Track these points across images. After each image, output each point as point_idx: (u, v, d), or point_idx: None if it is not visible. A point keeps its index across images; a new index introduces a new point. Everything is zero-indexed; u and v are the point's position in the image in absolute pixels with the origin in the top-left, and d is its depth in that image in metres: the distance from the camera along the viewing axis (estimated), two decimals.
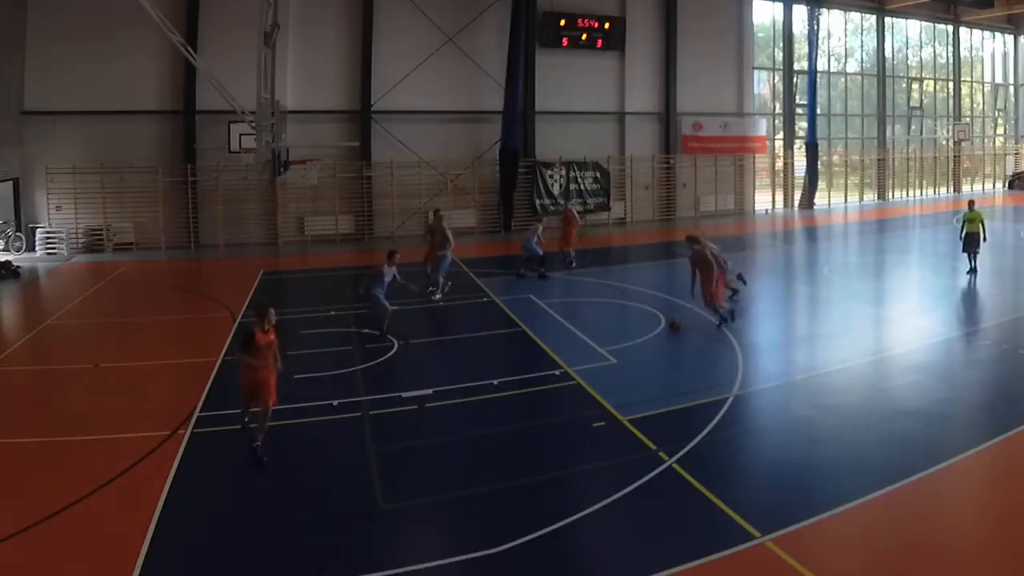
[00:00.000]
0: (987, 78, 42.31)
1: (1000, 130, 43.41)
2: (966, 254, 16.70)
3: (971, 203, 17.00)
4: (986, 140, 42.65)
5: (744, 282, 14.94)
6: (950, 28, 39.48)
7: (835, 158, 36.40)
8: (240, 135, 21.66)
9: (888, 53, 37.15)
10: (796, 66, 33.45)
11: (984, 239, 16.60)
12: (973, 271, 16.51)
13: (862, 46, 36.80)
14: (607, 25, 28.19)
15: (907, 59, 38.94)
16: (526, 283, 17.01)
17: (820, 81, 33.47)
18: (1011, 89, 42.79)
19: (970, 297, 15.30)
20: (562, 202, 27.58)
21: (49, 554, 6.10)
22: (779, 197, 34.12)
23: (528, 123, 27.16)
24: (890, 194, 37.36)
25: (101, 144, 22.52)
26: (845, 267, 20.16)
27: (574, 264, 18.65)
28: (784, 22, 33.42)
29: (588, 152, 28.20)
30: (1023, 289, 16.52)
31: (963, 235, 16.68)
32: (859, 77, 36.94)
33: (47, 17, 21.93)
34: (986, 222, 16.81)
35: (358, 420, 8.80)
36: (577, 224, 19.39)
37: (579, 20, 27.73)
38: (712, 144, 30.74)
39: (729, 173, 31.56)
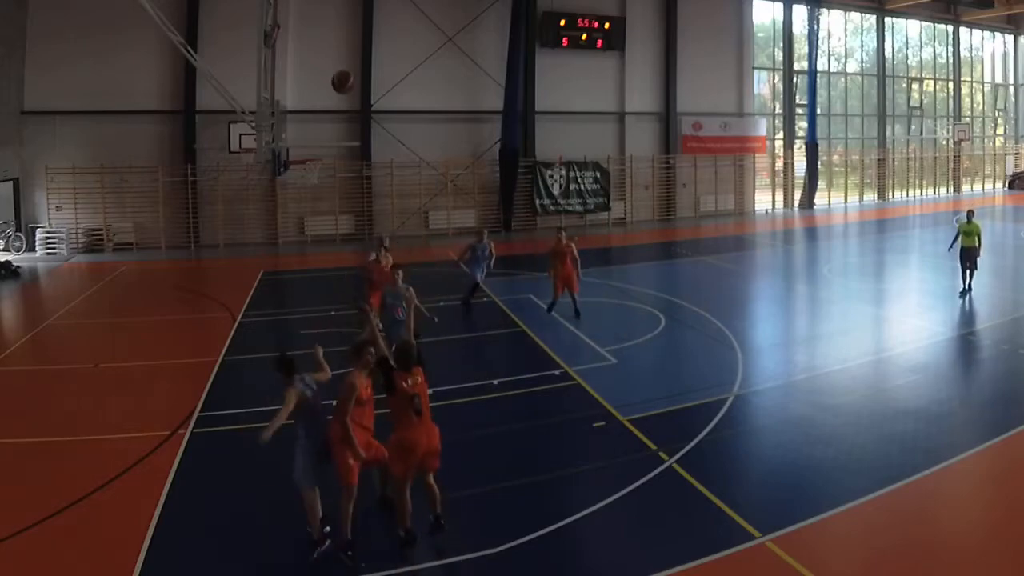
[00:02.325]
0: (987, 78, 42.30)
1: (1000, 130, 43.40)
2: (961, 270, 15.17)
3: (970, 213, 15.35)
4: (986, 140, 42.64)
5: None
6: (950, 28, 39.48)
7: (835, 158, 36.39)
8: (240, 135, 21.72)
9: (888, 53, 37.15)
10: (796, 66, 33.46)
11: (979, 254, 15.07)
12: (968, 291, 15.04)
13: (862, 46, 36.80)
14: (607, 25, 28.19)
15: (907, 59, 38.94)
16: (526, 283, 17.01)
17: (820, 81, 33.47)
18: (1011, 89, 42.78)
19: (969, 297, 15.28)
20: (561, 201, 27.72)
21: (49, 554, 6.10)
22: (779, 197, 34.15)
23: (528, 123, 27.15)
24: (890, 194, 37.36)
25: (101, 144, 22.54)
26: (845, 267, 20.17)
27: (579, 315, 13.58)
28: (784, 22, 33.43)
29: (588, 152, 28.19)
30: (1022, 289, 16.53)
31: (959, 248, 15.07)
32: (859, 77, 36.93)
33: (47, 17, 21.95)
34: (983, 236, 15.28)
35: None
36: (577, 263, 13.73)
37: (579, 20, 27.74)
38: (712, 144, 30.74)
39: (729, 173, 31.56)
